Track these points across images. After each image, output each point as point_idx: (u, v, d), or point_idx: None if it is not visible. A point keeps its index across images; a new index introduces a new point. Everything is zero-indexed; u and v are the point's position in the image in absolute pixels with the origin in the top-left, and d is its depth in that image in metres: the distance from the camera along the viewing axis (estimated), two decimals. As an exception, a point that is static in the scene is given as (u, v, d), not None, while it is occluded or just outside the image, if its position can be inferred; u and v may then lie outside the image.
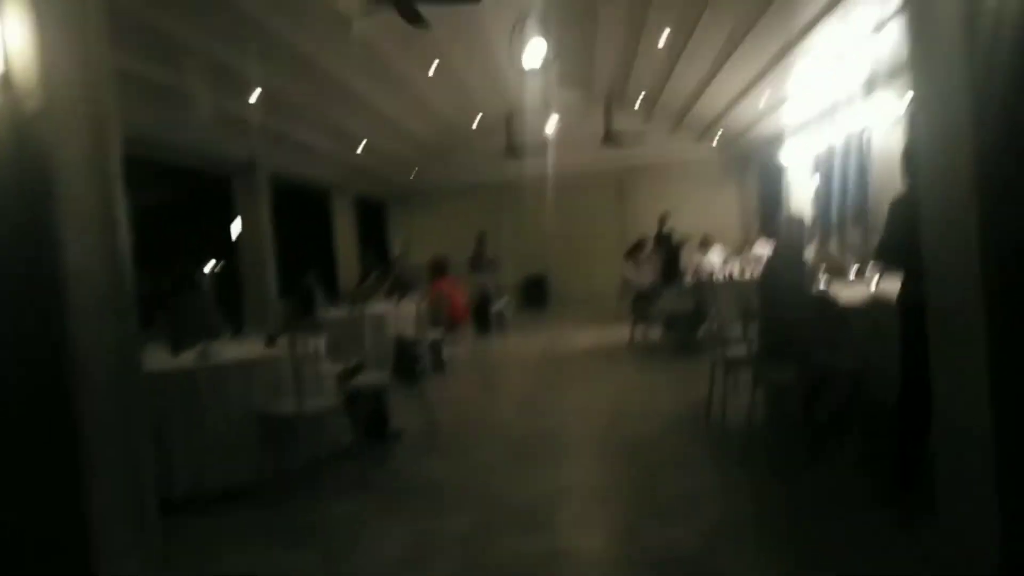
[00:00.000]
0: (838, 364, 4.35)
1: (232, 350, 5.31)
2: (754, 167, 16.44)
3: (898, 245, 3.53)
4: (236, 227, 10.67)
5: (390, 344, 8.43)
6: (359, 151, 12.66)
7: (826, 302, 4.55)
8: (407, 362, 5.52)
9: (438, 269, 8.57)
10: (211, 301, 7.01)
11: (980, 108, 2.12)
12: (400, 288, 10.46)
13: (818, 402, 4.39)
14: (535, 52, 7.58)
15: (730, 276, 8.19)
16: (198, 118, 8.69)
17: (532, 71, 8.94)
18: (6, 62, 2.41)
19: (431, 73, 10.25)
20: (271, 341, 5.44)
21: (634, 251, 10.98)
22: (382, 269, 13.12)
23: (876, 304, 4.54)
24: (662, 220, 13.79)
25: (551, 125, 12.28)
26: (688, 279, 9.38)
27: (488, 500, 4.36)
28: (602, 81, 14.26)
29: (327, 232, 14.02)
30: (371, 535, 3.92)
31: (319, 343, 5.53)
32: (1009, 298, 2.11)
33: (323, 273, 11.39)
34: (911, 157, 3.59)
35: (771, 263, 4.79)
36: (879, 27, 7.69)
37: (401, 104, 11.45)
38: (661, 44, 9.81)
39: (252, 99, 8.92)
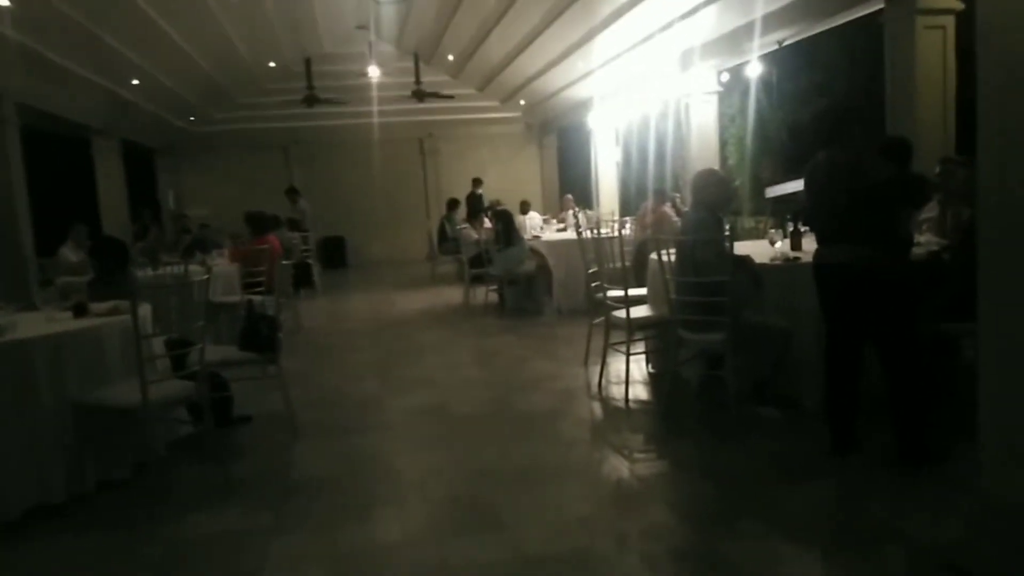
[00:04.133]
0: (767, 323, 4.17)
1: (27, 323, 3.98)
2: (555, 131, 16.57)
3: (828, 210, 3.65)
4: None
5: (199, 310, 7.13)
6: (133, 83, 10.73)
7: (744, 261, 4.33)
8: (266, 332, 4.51)
9: (265, 224, 7.32)
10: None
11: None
12: (199, 247, 9.01)
13: (752, 362, 4.19)
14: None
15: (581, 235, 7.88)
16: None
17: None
18: None
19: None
20: (80, 310, 4.17)
21: (472, 214, 11.06)
22: (161, 225, 11.42)
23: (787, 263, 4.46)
24: (475, 184, 13.61)
25: (373, 73, 11.25)
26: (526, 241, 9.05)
27: (410, 499, 3.58)
28: (412, 38, 13.40)
29: (88, 181, 11.79)
30: (281, 561, 3.01)
31: (146, 311, 4.36)
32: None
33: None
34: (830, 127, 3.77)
35: (691, 221, 4.49)
36: (692, 11, 7.87)
37: (185, 33, 9.73)
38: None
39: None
